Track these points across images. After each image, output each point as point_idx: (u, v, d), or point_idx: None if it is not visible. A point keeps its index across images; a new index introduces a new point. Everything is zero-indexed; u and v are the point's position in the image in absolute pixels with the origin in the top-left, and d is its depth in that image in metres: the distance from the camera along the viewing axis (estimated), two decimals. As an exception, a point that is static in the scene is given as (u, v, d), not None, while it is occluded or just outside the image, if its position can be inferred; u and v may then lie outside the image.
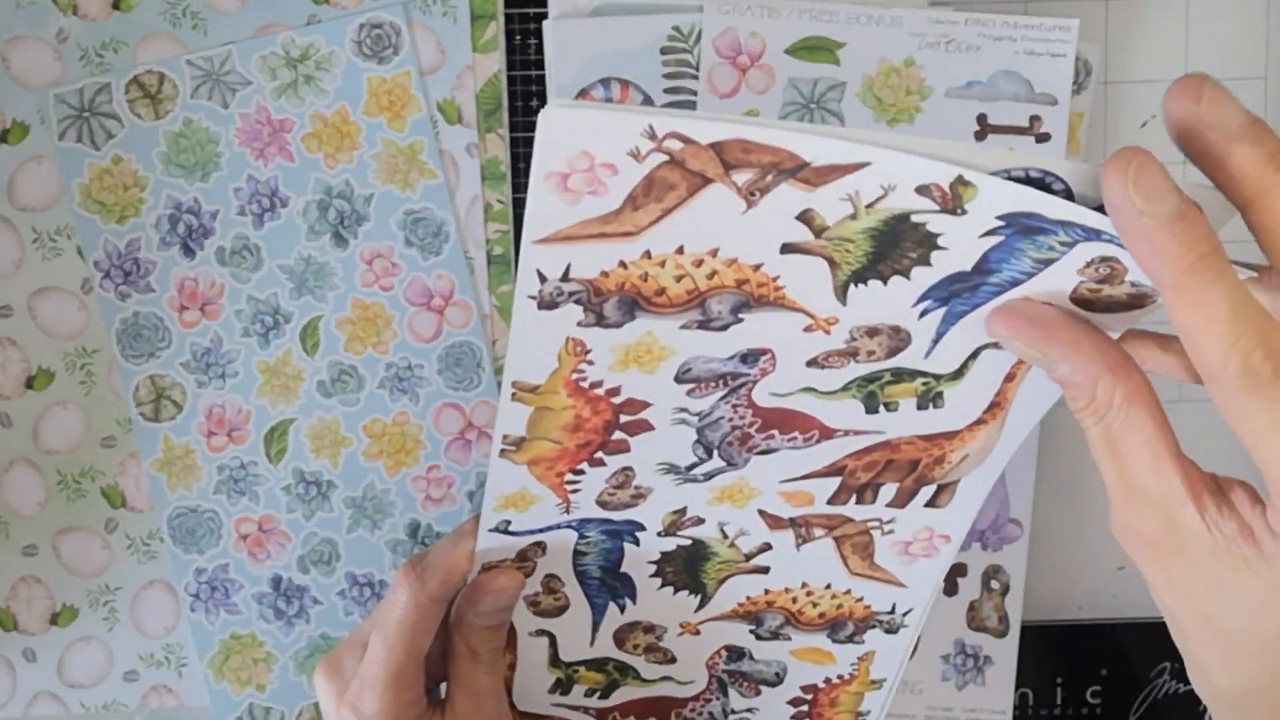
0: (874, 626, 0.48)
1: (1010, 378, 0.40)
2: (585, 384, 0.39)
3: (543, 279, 0.35)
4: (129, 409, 0.57)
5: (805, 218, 0.34)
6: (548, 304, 0.36)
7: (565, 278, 0.35)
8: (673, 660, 0.49)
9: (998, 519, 0.57)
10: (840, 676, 0.49)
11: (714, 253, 0.35)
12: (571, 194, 0.33)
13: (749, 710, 0.51)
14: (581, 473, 0.42)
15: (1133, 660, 0.59)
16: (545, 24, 0.55)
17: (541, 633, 0.48)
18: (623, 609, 0.48)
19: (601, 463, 0.42)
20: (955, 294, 0.36)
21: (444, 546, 0.45)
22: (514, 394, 0.39)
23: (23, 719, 0.59)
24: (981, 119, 0.54)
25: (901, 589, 0.47)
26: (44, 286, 0.57)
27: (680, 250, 0.35)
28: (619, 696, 0.50)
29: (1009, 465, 0.46)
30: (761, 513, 0.44)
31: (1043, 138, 0.54)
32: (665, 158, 0.32)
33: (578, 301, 0.36)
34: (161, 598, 0.59)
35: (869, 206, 0.34)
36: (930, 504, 0.44)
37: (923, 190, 0.33)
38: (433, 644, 0.46)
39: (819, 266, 0.35)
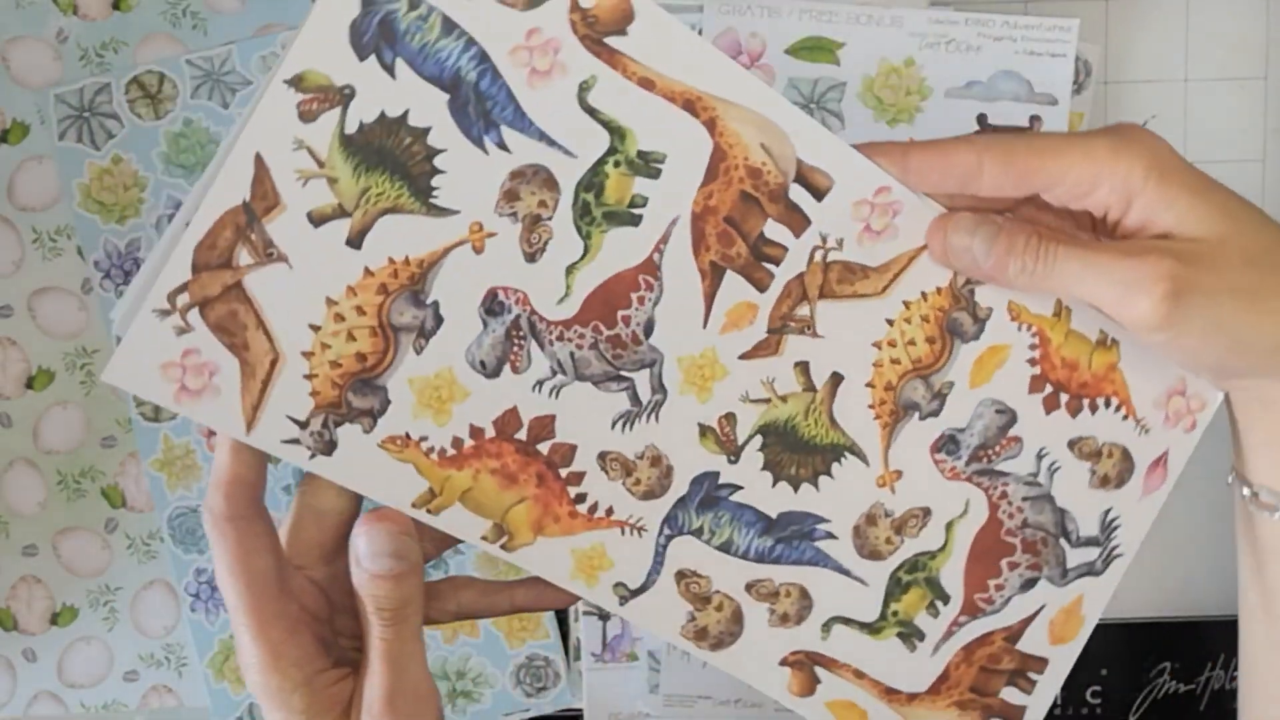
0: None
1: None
2: (439, 450, 0.40)
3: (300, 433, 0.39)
4: (129, 409, 0.57)
5: None
6: (324, 450, 0.39)
7: (303, 427, 0.39)
8: (926, 512, 0.45)
9: (998, 519, 0.57)
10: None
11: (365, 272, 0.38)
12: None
13: None
14: (583, 497, 0.41)
15: (1133, 660, 0.59)
16: (545, 24, 0.55)
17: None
18: (831, 535, 0.44)
19: (577, 475, 0.41)
20: None
21: (217, 459, 0.41)
22: (427, 511, 0.40)
23: (23, 719, 0.59)
24: (981, 119, 0.54)
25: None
26: (44, 286, 0.57)
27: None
28: (948, 581, 0.46)
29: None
30: (746, 356, 0.42)
31: (1043, 137, 0.54)
32: None
33: (337, 424, 0.39)
34: (161, 598, 0.59)
35: None
36: (814, 193, 0.41)
37: None
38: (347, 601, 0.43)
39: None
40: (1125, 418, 0.45)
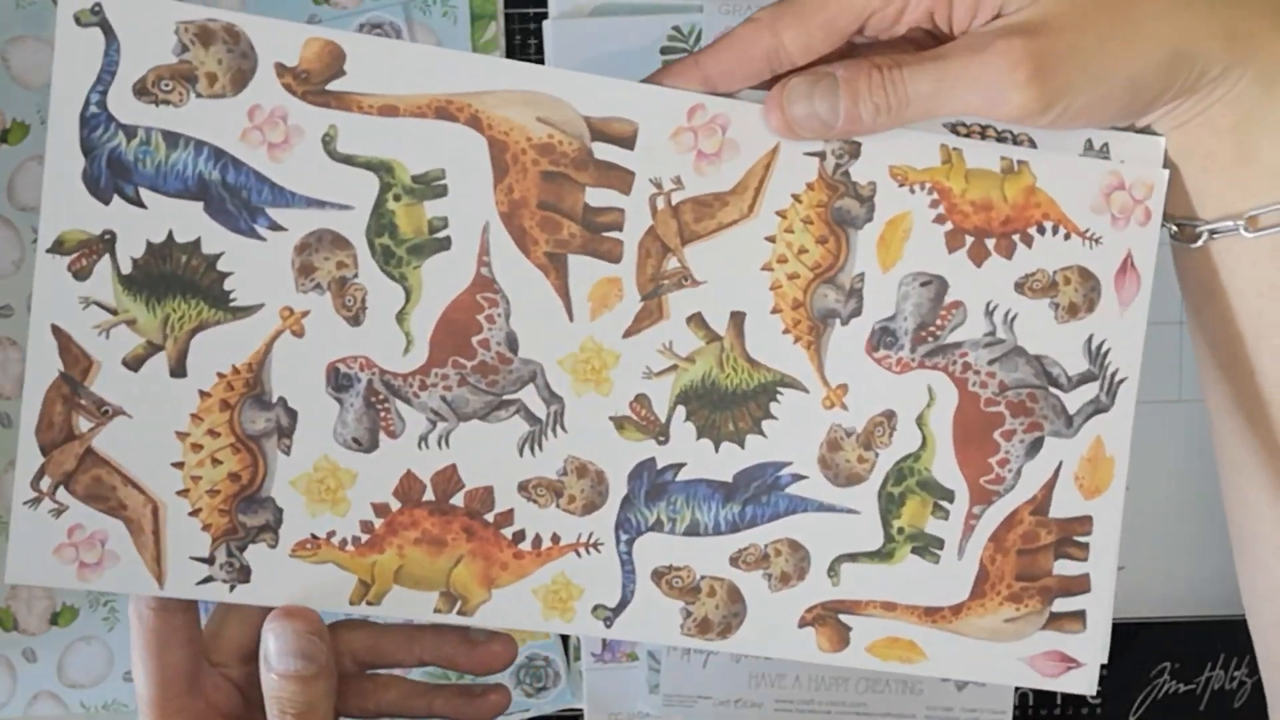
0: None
1: None
2: (352, 539, 0.39)
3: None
4: (129, 409, 0.57)
5: None
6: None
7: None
8: (889, 415, 0.42)
9: (998, 519, 0.57)
10: None
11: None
12: None
13: None
14: (521, 535, 0.40)
15: (1133, 660, 0.59)
16: (545, 24, 0.55)
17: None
18: (798, 475, 0.41)
19: (505, 515, 0.40)
20: None
21: None
22: (366, 604, 0.39)
23: (23, 719, 0.59)
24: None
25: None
26: (44, 286, 0.57)
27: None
28: (943, 477, 0.43)
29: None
30: (629, 334, 0.40)
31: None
32: None
33: (241, 549, 0.39)
34: (161, 598, 0.59)
35: None
36: (622, 142, 0.40)
37: None
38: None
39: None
40: (1068, 236, 0.41)
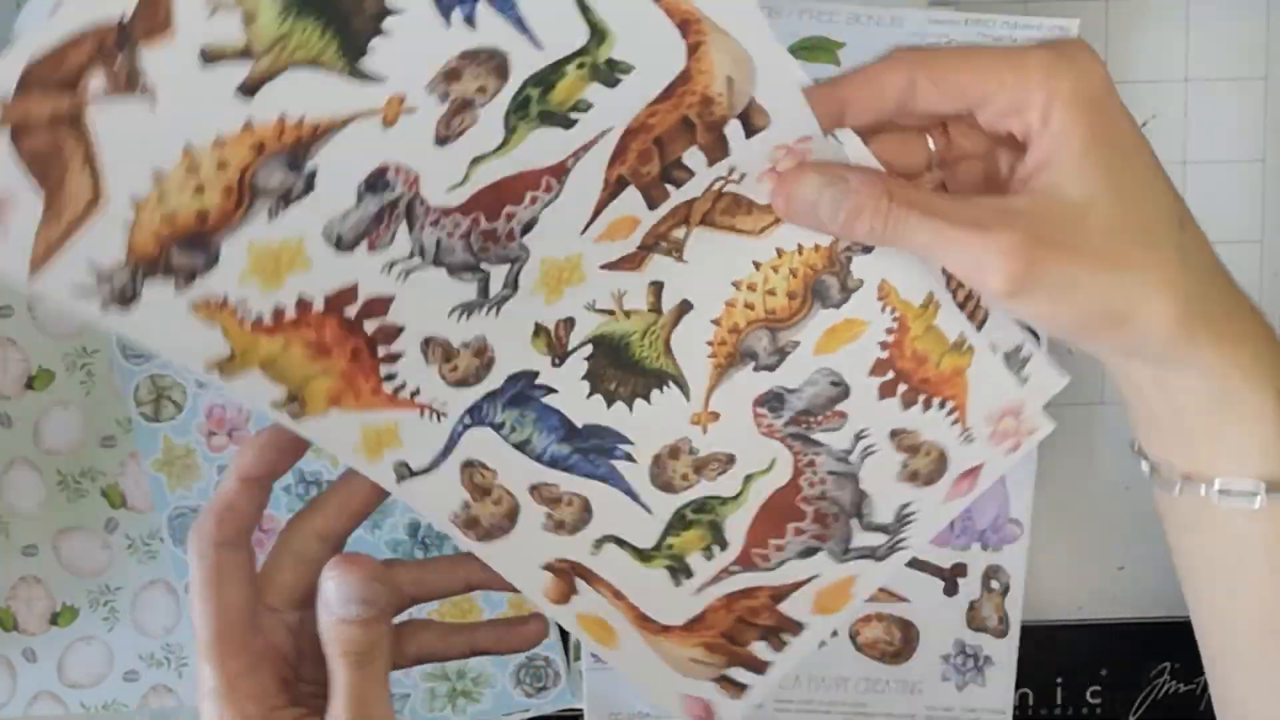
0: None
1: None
2: (257, 316, 0.36)
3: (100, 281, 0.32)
4: (129, 409, 0.57)
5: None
6: (124, 300, 0.33)
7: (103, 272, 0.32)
8: (730, 459, 0.44)
9: (998, 519, 0.57)
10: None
11: (220, 143, 0.32)
12: None
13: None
14: (392, 376, 0.39)
15: (1133, 660, 0.59)
16: (545, 24, 0.54)
17: (604, 541, 0.44)
18: (630, 458, 0.44)
19: (393, 356, 0.39)
20: None
21: (221, 485, 0.42)
22: (219, 373, 0.36)
23: (23, 719, 0.59)
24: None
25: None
26: (44, 286, 0.57)
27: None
28: (730, 530, 0.46)
29: (1009, 466, 0.46)
30: (608, 266, 0.41)
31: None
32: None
33: (146, 278, 0.33)
34: (161, 598, 0.59)
35: None
36: (748, 129, 0.39)
37: None
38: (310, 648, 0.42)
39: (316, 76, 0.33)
40: (955, 423, 0.44)
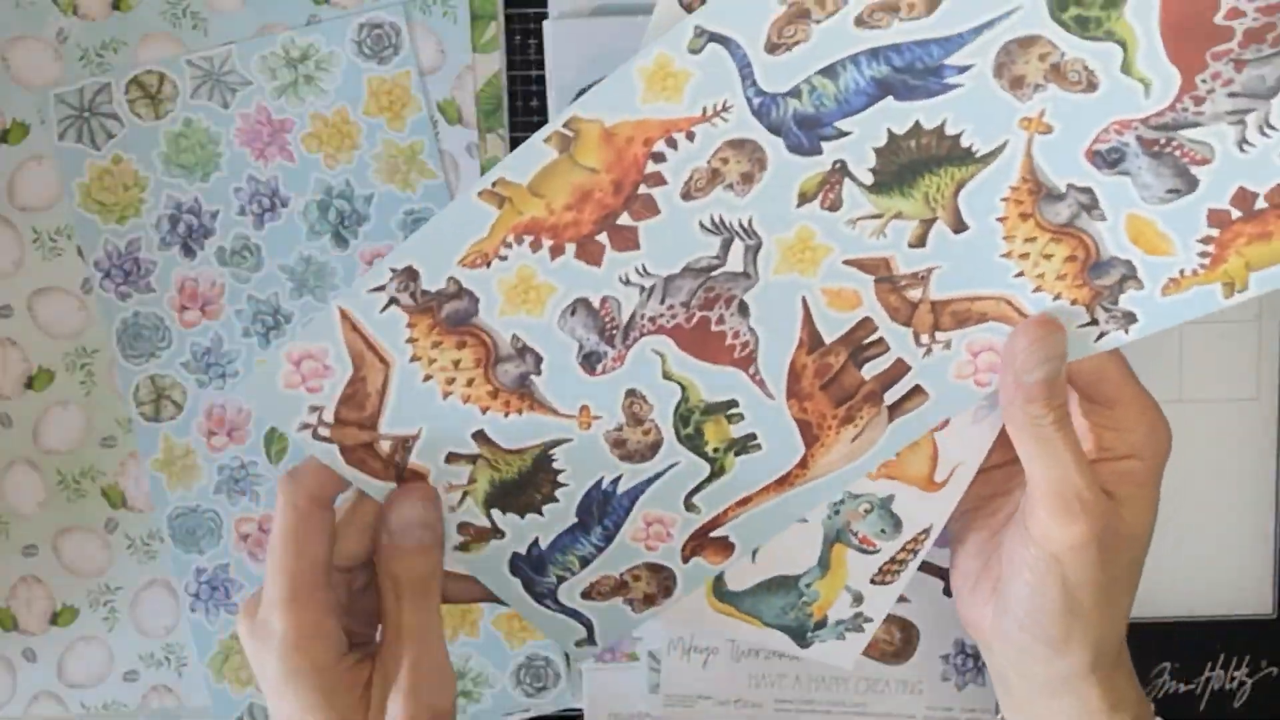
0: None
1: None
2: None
3: None
4: (129, 409, 0.57)
5: None
6: None
7: None
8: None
9: (998, 519, 0.57)
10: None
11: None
12: None
13: None
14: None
15: (1133, 660, 0.59)
16: (545, 24, 0.55)
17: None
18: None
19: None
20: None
21: None
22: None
23: (23, 719, 0.59)
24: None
25: None
26: (44, 286, 0.57)
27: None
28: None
29: None
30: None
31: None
32: None
33: None
34: (161, 598, 0.59)
35: None
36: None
37: None
38: (363, 591, 0.44)
39: None
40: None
